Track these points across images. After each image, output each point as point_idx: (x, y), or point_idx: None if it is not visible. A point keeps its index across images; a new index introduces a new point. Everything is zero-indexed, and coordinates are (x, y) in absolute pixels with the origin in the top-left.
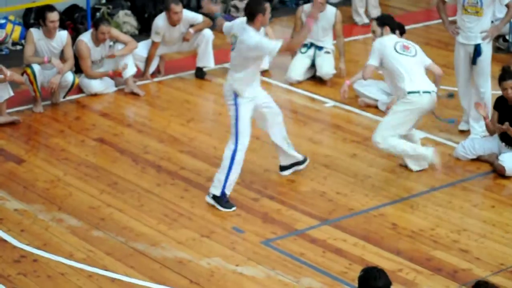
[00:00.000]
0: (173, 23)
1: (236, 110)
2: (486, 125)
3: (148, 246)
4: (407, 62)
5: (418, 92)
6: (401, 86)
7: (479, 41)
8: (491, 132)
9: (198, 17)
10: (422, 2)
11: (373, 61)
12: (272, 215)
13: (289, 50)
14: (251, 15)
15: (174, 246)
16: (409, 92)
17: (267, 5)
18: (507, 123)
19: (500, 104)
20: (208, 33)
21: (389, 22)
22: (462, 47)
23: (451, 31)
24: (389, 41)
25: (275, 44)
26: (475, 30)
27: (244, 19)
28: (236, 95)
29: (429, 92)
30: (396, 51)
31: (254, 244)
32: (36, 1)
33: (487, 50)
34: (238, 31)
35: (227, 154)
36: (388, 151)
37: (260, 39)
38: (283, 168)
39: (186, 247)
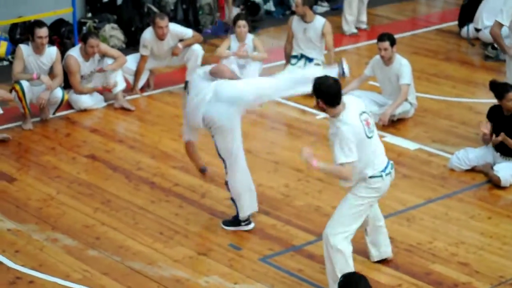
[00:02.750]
0: (159, 37)
1: None
2: (483, 137)
3: (144, 265)
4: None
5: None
6: None
7: None
8: (486, 142)
9: (188, 32)
10: (408, 11)
11: None
12: (269, 231)
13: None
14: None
15: (171, 264)
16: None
17: None
18: (503, 134)
19: (494, 113)
20: (197, 48)
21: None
22: None
23: None
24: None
25: None
26: None
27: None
28: None
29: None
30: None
31: (252, 261)
32: (23, 16)
33: None
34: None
35: None
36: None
37: None
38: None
39: (183, 265)
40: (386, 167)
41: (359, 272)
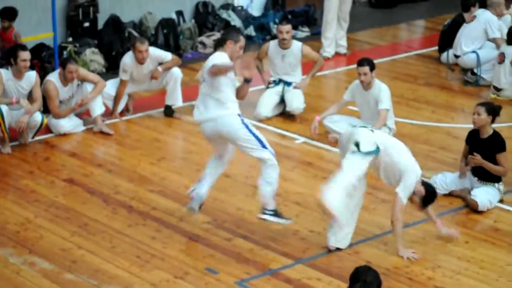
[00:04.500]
0: (139, 61)
1: (247, 127)
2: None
3: None
4: None
5: None
6: None
7: None
8: (464, 175)
9: (167, 55)
10: (388, 36)
11: None
12: (246, 255)
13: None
14: (222, 41)
15: None
16: None
17: (242, 38)
18: (478, 156)
19: (471, 137)
20: (176, 71)
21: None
22: None
23: None
24: None
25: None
26: None
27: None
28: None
29: None
30: None
31: (228, 285)
32: None
33: None
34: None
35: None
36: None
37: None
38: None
39: None
40: None
41: (367, 265)
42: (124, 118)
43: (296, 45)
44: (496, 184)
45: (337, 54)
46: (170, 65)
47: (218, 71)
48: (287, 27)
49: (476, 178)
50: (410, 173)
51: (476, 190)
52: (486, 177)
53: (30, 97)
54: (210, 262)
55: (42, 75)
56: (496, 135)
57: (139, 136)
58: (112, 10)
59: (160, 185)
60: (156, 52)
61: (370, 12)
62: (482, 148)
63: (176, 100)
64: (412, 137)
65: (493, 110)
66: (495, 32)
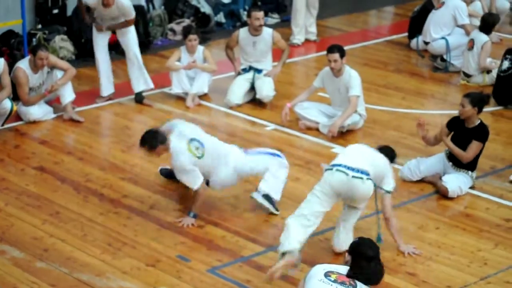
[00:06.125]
0: (105, 5)
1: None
2: (427, 140)
3: (92, 276)
4: None
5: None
6: None
7: None
8: (430, 144)
9: (130, 14)
10: (358, 22)
11: None
12: (217, 242)
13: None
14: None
15: (119, 276)
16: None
17: None
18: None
19: (455, 124)
20: (133, 57)
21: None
22: None
23: None
24: None
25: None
26: None
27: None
28: None
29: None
30: None
31: (200, 272)
32: None
33: None
34: None
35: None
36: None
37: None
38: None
39: (131, 276)
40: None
41: (369, 238)
42: (94, 105)
43: (267, 32)
44: (470, 172)
45: (307, 41)
46: (63, 80)
47: None
48: (261, 13)
49: (451, 163)
50: (389, 166)
51: (448, 177)
52: (461, 164)
53: None
54: (182, 250)
55: (11, 62)
56: (482, 126)
57: (110, 124)
58: None
59: (130, 173)
60: (125, 4)
61: None
62: (466, 138)
63: (145, 84)
64: (383, 123)
65: (479, 101)
66: (464, 19)
